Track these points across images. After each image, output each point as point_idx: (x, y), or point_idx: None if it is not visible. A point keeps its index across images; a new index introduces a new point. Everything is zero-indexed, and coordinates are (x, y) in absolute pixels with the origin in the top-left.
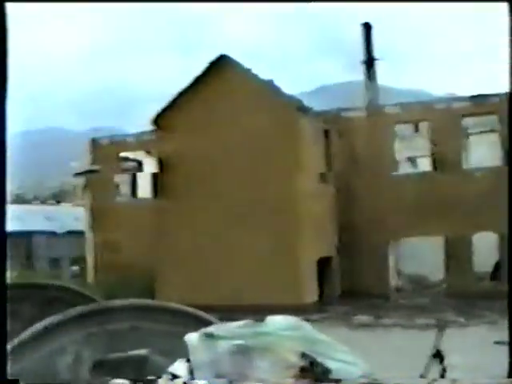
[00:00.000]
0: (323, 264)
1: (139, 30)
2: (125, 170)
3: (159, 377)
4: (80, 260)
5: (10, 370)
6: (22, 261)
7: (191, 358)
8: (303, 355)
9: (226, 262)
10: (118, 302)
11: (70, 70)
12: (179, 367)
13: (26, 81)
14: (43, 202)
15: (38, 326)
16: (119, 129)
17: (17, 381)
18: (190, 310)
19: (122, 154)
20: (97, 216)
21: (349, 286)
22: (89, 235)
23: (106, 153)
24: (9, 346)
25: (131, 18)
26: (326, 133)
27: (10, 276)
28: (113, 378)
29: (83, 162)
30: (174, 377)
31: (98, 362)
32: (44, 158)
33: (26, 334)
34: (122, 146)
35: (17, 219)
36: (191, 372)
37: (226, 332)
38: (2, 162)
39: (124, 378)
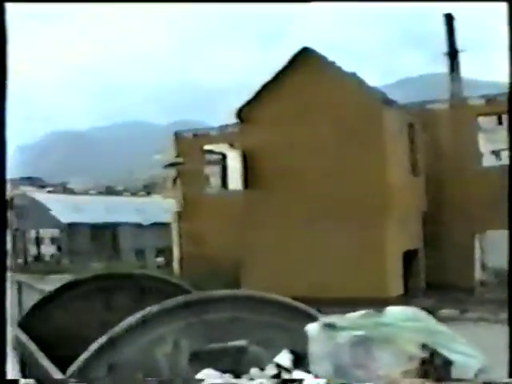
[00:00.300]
0: (409, 257)
1: (219, 24)
2: (209, 163)
3: (262, 368)
4: (165, 251)
5: (110, 359)
6: (108, 252)
7: (310, 349)
8: (424, 346)
9: (312, 254)
10: (218, 293)
11: (154, 65)
12: (283, 358)
13: (112, 76)
14: (134, 193)
15: (137, 315)
16: (201, 122)
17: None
18: (292, 301)
19: (207, 147)
20: (186, 207)
21: (433, 279)
22: (176, 226)
23: (190, 146)
24: (106, 337)
25: (211, 11)
26: (411, 125)
27: (97, 267)
28: (211, 368)
29: (167, 155)
30: (279, 367)
31: (196, 352)
32: (132, 150)
33: (124, 324)
34: (206, 139)
35: (107, 211)
36: (296, 363)
37: (347, 322)
38: (2, 161)
39: (222, 368)
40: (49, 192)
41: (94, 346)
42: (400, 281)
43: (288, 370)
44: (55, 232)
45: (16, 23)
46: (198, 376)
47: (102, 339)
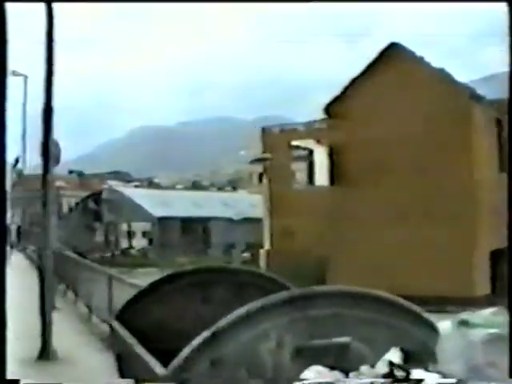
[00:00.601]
0: (496, 256)
1: (307, 20)
2: (296, 159)
3: (373, 365)
4: (252, 246)
5: (213, 355)
6: (197, 246)
7: (442, 347)
8: None
9: (399, 251)
10: (321, 288)
11: (241, 62)
12: (395, 356)
13: (200, 73)
14: (220, 188)
15: (241, 310)
16: (286, 117)
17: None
18: (395, 298)
19: (294, 143)
20: (274, 202)
21: None
22: (267, 221)
23: (277, 141)
24: (210, 331)
25: (296, 6)
26: (498, 121)
27: (183, 261)
28: (313, 364)
29: (253, 151)
30: (392, 365)
31: (300, 348)
32: (218, 146)
33: (228, 319)
34: (293, 134)
35: (195, 205)
36: (405, 361)
37: (481, 320)
38: (2, 161)
39: (324, 365)
40: (136, 186)
41: (197, 341)
42: (487, 280)
43: (402, 369)
44: (145, 226)
45: (116, 22)
46: (306, 373)
47: (206, 334)
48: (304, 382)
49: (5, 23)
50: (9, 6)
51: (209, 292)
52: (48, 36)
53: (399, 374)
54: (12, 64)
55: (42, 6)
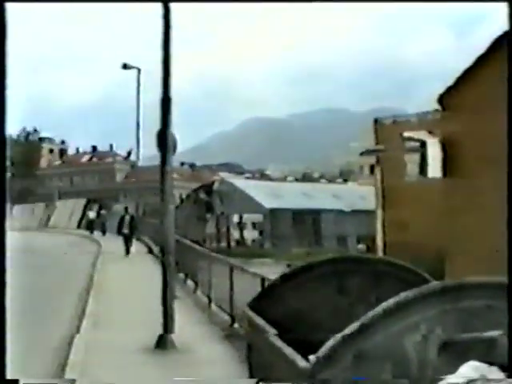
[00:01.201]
0: None
1: (416, 8)
2: (409, 150)
3: None
4: (365, 238)
5: (358, 347)
6: (309, 237)
7: None
8: None
9: None
10: (474, 279)
11: (351, 52)
12: None
13: (311, 64)
14: (330, 180)
15: (390, 302)
16: (398, 109)
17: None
18: None
19: (406, 134)
20: (387, 194)
21: None
22: (380, 213)
23: (389, 133)
24: (358, 323)
25: None
26: None
27: (298, 252)
28: (461, 359)
29: (364, 142)
30: None
31: (447, 342)
32: (328, 137)
33: (377, 310)
34: (405, 126)
35: (305, 197)
36: None
37: None
38: (2, 161)
39: (472, 360)
40: (247, 178)
41: (342, 333)
42: None
43: None
44: (257, 217)
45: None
46: (462, 368)
47: (354, 326)
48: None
49: (5, 23)
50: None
51: (345, 282)
52: (165, 27)
53: None
54: (125, 58)
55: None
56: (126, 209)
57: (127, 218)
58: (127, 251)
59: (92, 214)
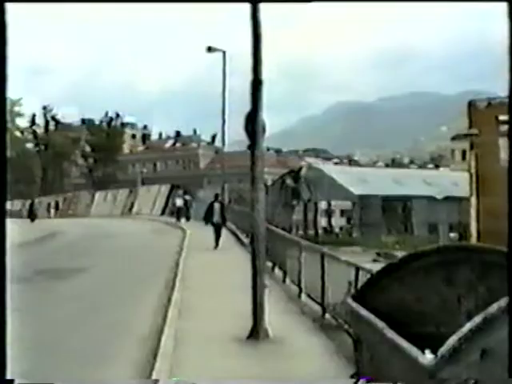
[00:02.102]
0: None
1: None
2: (504, 134)
3: None
4: (458, 227)
5: (484, 343)
6: (398, 225)
7: None
8: None
9: None
10: None
11: (441, 33)
12: None
13: (398, 47)
14: (421, 166)
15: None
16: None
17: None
18: None
19: (501, 118)
20: (481, 181)
21: None
22: (474, 201)
23: (484, 116)
24: (481, 317)
25: None
26: None
27: (387, 240)
28: None
29: (454, 126)
30: None
31: None
32: (417, 122)
33: (501, 303)
34: (500, 108)
35: (395, 183)
36: None
37: None
38: (3, 159)
39: None
40: (335, 164)
41: (466, 327)
42: None
43: None
44: (346, 204)
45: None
46: None
47: (477, 319)
48: None
49: (5, 23)
50: None
51: (452, 272)
52: (253, 10)
53: None
54: (209, 41)
55: None
56: (217, 196)
57: (217, 205)
58: (217, 243)
59: (179, 202)
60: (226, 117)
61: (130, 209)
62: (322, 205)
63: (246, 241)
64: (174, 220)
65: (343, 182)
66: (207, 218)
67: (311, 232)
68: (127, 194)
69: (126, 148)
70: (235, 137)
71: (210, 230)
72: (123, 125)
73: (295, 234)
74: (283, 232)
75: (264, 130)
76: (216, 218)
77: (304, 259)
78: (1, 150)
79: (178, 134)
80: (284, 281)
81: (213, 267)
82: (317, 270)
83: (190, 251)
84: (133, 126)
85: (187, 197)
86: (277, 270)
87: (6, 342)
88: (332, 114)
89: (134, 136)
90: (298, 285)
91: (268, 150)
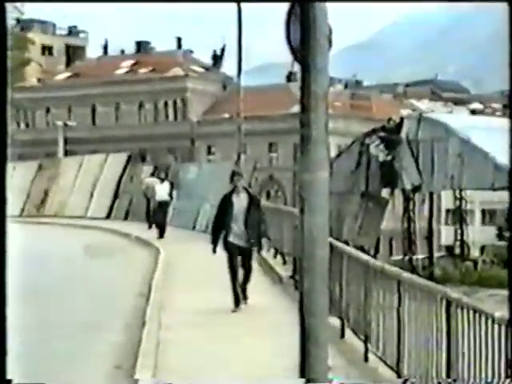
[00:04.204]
0: None
1: None
2: None
3: None
4: None
5: None
6: None
7: None
8: None
9: None
10: None
11: None
12: None
13: None
14: None
15: None
16: None
17: (9, 381)
18: None
19: None
20: None
21: None
22: None
23: None
24: None
25: None
26: None
27: None
28: None
29: None
30: None
31: None
32: None
33: None
34: None
35: None
36: None
37: None
38: (3, 159)
39: None
40: (472, 113)
41: None
42: None
43: None
44: (495, 198)
45: None
46: None
47: None
48: None
49: (5, 23)
50: None
51: None
52: None
53: None
54: None
55: None
56: (235, 175)
57: (239, 202)
58: (244, 296)
59: (162, 190)
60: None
61: (42, 204)
62: (445, 199)
63: (285, 272)
64: (135, 229)
65: (492, 151)
66: (217, 233)
67: (421, 257)
68: (33, 172)
69: (31, 74)
70: (258, 59)
71: (217, 258)
72: (26, 27)
73: (386, 258)
74: (362, 255)
75: (329, 43)
76: (238, 232)
77: (408, 313)
78: (1, 147)
79: (140, 46)
80: (366, 359)
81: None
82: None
83: (173, 330)
84: (48, 27)
85: (165, 183)
86: (350, 334)
87: (6, 341)
88: (385, 37)
89: (49, 51)
90: (397, 371)
91: (331, 80)
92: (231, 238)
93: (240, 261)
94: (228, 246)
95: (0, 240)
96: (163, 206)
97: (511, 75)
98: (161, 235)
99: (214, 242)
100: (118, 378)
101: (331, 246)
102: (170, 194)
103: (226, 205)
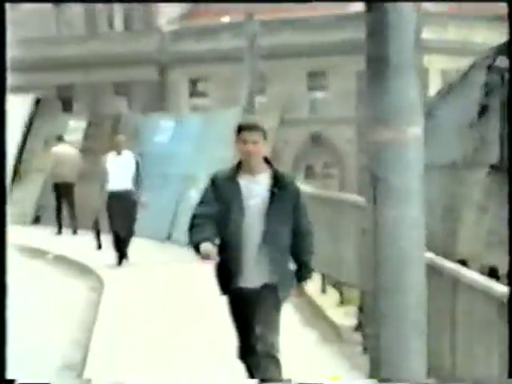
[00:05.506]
0: None
1: None
2: None
3: None
4: None
5: None
6: None
7: None
8: None
9: None
10: None
11: None
12: None
13: None
14: None
15: None
16: None
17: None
18: None
19: None
20: None
21: None
22: None
23: None
24: None
25: None
26: None
27: None
28: None
29: None
30: None
31: None
32: None
33: None
34: None
35: None
36: None
37: None
38: (2, 152)
39: None
40: None
41: None
42: None
43: None
44: None
45: None
46: None
47: None
48: None
49: (5, 23)
50: None
51: None
52: None
53: None
54: None
55: None
56: (248, 133)
57: (255, 186)
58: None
59: (121, 171)
60: None
61: None
62: None
63: (346, 320)
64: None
65: None
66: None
67: None
68: None
69: None
70: None
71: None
72: None
73: None
74: (497, 286)
75: None
76: (252, 259)
77: None
78: (0, 150)
79: None
80: None
81: None
82: None
83: None
84: None
85: (124, 156)
86: None
87: (5, 341)
88: None
89: None
90: None
91: None
92: (239, 279)
93: (254, 315)
94: (233, 294)
95: (0, 239)
96: (122, 201)
97: (511, 75)
98: (120, 259)
99: (223, 290)
100: None
101: (432, 269)
102: (137, 179)
103: (223, 196)
